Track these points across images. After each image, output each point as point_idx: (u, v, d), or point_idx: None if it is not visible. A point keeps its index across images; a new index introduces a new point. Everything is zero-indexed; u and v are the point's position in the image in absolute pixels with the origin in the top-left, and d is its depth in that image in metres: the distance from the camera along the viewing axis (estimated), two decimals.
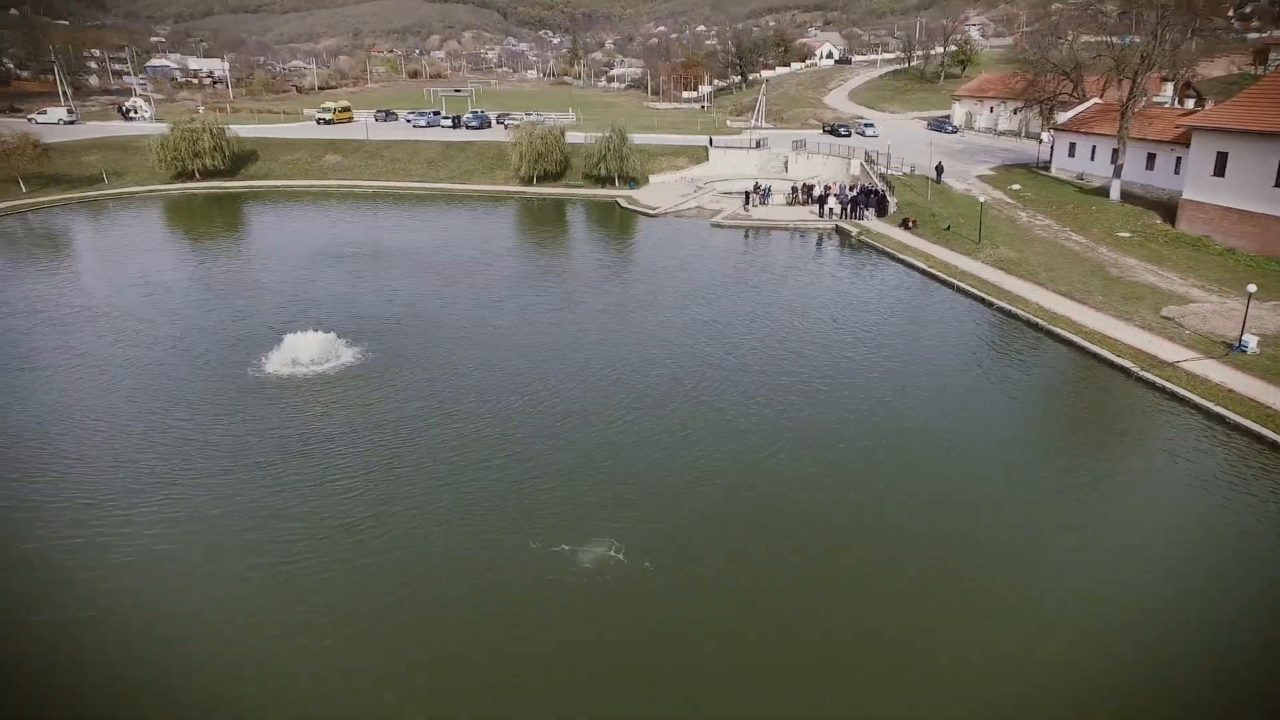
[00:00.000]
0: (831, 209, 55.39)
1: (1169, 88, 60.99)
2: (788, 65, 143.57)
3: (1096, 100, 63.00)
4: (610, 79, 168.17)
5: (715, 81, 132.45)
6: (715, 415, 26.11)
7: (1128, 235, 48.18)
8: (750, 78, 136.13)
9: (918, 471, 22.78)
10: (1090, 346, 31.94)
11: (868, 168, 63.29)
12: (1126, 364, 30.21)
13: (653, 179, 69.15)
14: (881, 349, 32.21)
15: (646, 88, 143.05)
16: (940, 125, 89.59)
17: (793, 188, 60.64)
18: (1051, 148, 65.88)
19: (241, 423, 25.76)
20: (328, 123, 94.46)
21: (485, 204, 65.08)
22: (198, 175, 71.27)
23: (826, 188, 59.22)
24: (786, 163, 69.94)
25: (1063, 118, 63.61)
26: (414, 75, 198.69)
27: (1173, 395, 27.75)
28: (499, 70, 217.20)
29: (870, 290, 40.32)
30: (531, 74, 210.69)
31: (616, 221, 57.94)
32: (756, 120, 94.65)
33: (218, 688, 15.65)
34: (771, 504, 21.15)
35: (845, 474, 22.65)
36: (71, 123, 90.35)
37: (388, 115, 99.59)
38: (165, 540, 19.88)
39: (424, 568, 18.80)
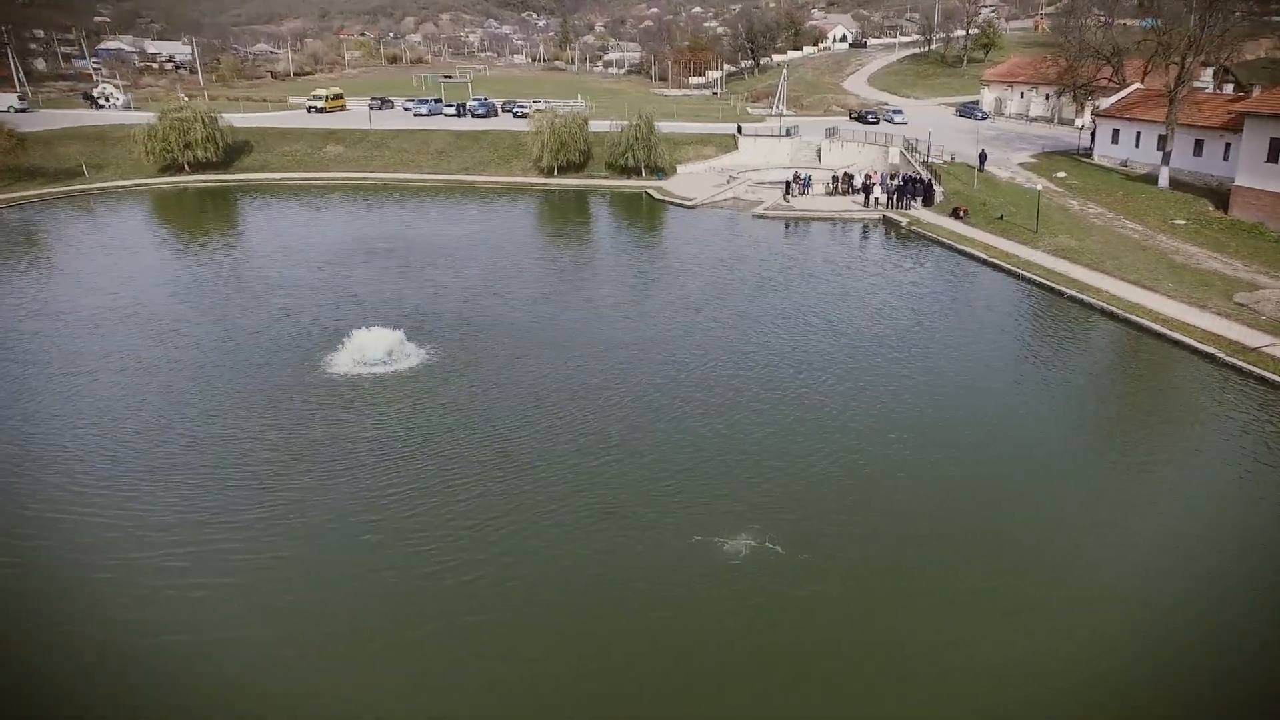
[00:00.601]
0: (877, 199, 58.08)
1: (1208, 73, 64.40)
2: (799, 49, 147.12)
3: (1138, 86, 66.28)
4: (607, 64, 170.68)
5: (726, 66, 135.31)
6: (819, 407, 28.50)
7: (1183, 223, 51.26)
8: (762, 62, 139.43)
9: (1017, 470, 25.12)
10: (1170, 334, 34.73)
11: (908, 156, 66.06)
12: (1211, 350, 33.02)
13: (680, 169, 71.45)
14: (960, 341, 34.71)
15: (650, 74, 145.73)
16: (970, 111, 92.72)
17: (833, 177, 63.20)
18: (1093, 134, 69.16)
19: (329, 426, 26.61)
20: (319, 111, 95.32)
21: (507, 196, 67.16)
22: (188, 168, 72.20)
23: (868, 177, 61.98)
24: (820, 151, 72.53)
25: (1105, 103, 66.85)
26: (394, 60, 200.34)
27: (1262, 380, 30.56)
28: (482, 55, 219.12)
29: (937, 282, 42.93)
30: (519, 59, 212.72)
31: (652, 214, 60.26)
32: (778, 107, 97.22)
33: (365, 699, 16.59)
34: (886, 502, 23.52)
35: (952, 472, 24.84)
36: (23, 110, 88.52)
37: (384, 103, 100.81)
38: (283, 547, 20.67)
39: (569, 569, 19.95)
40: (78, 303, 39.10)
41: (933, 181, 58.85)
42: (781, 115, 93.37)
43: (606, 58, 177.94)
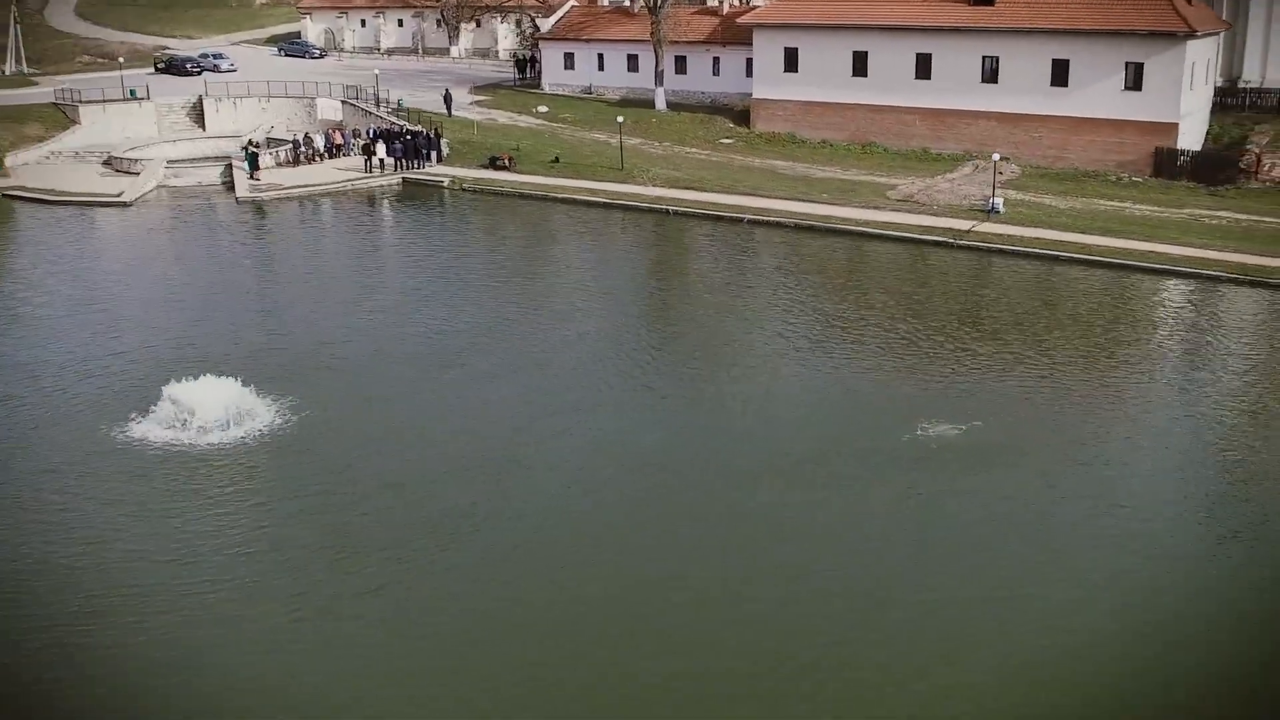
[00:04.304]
0: (383, 160, 67.46)
1: None
2: None
3: (574, 3, 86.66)
4: None
5: None
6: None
7: (730, 141, 72.05)
8: None
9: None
10: (892, 233, 52.96)
11: (360, 106, 76.18)
12: (941, 239, 52.20)
13: (9, 160, 69.90)
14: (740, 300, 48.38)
15: None
16: (303, 49, 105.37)
17: (295, 142, 70.48)
18: (526, 62, 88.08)
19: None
20: None
21: None
22: None
23: (328, 136, 71.18)
24: (203, 114, 78.56)
25: (545, 25, 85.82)
26: None
27: (999, 251, 50.41)
28: None
29: (618, 242, 55.91)
30: None
31: (91, 225, 59.23)
32: (14, 64, 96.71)
33: None
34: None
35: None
36: None
37: None
38: None
39: None
40: None
41: (439, 134, 70.15)
42: (24, 74, 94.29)
43: None
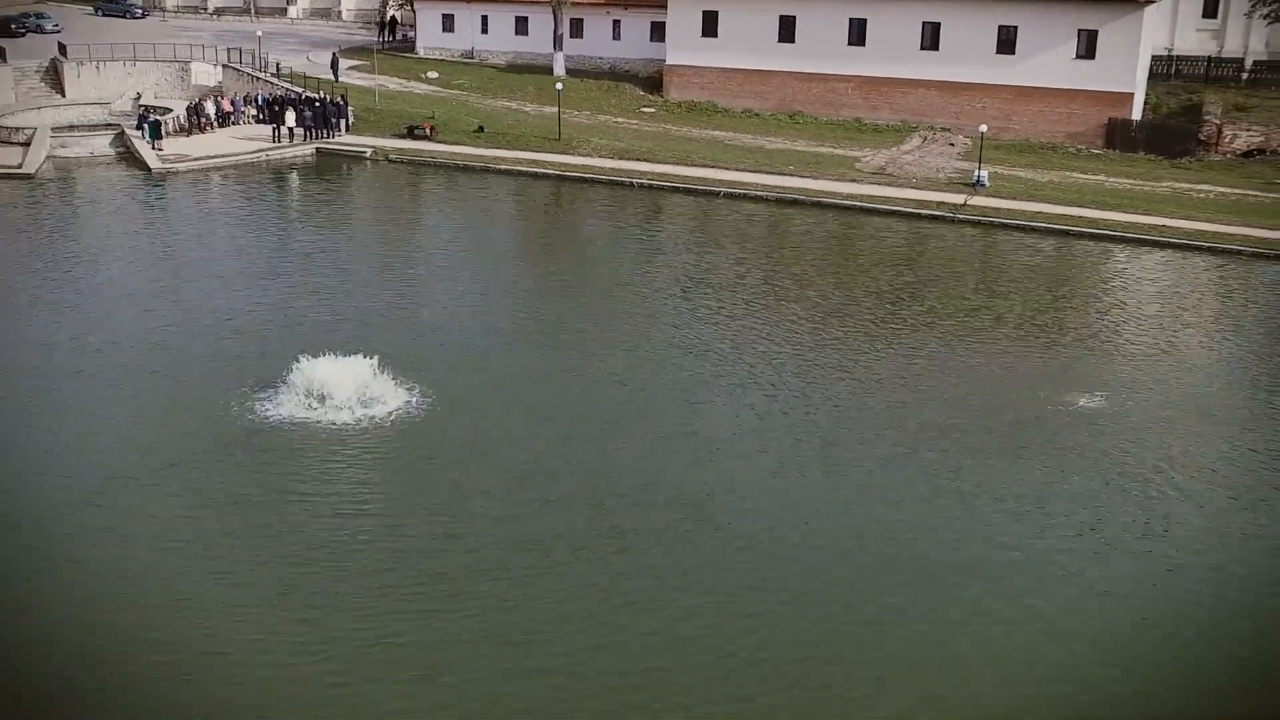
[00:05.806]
0: (292, 129, 62.19)
1: None
2: None
3: None
4: None
5: None
6: None
7: (652, 110, 69.14)
8: None
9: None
10: (882, 207, 51.27)
11: (248, 70, 70.68)
12: (938, 213, 50.94)
13: None
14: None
15: None
16: (123, 8, 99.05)
17: (188, 109, 64.52)
18: (390, 24, 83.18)
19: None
20: None
21: None
22: None
23: (218, 100, 66.91)
24: (62, 79, 72.02)
25: None
26: None
27: (1018, 228, 49.04)
28: None
29: (613, 219, 52.62)
30: None
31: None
32: None
33: None
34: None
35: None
36: None
37: None
38: None
39: None
40: None
41: (345, 101, 65.02)
42: None
43: None
